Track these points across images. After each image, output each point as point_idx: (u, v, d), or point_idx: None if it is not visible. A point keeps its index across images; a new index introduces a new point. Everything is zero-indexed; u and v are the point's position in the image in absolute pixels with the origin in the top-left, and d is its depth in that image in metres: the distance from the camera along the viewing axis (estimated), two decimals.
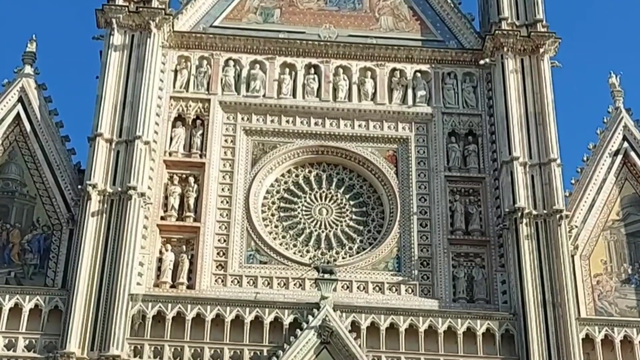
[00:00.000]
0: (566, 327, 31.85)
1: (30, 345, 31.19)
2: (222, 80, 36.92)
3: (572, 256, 33.57)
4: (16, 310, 31.65)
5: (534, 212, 33.76)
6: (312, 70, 37.44)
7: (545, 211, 33.83)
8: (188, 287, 32.92)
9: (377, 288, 33.55)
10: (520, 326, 32.00)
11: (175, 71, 36.96)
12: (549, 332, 31.83)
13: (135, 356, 31.08)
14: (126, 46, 35.85)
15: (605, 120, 36.92)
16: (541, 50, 36.81)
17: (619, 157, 36.07)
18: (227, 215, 34.56)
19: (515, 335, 32.08)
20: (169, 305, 31.85)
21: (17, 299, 31.74)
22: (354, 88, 37.15)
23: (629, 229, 34.89)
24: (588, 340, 32.23)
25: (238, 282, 33.43)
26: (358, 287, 33.49)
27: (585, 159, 36.10)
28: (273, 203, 35.58)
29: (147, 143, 34.21)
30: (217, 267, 33.64)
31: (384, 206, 35.58)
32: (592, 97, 67.32)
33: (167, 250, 33.55)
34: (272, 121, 36.44)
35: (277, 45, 37.64)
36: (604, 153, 36.08)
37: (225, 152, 35.79)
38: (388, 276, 33.88)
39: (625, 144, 36.28)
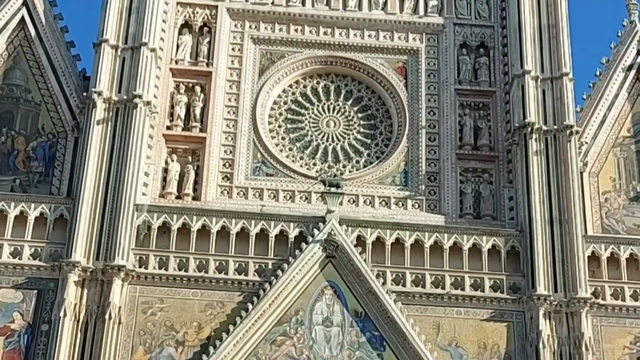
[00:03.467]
0: (572, 244, 31.77)
1: (36, 253, 31.18)
2: None
3: (581, 173, 33.30)
4: (21, 218, 31.59)
5: (544, 128, 33.40)
6: None
7: (555, 127, 33.46)
8: (193, 199, 32.80)
9: (383, 202, 33.41)
10: (526, 243, 31.92)
11: None
12: (554, 249, 31.76)
13: (140, 267, 31.09)
14: None
15: (619, 34, 36.19)
16: None
17: (632, 72, 35.46)
18: (233, 126, 34.25)
19: (521, 252, 32.03)
20: (175, 216, 31.77)
21: (23, 206, 31.64)
22: None
23: None
24: (594, 258, 32.13)
25: (244, 194, 33.29)
26: (364, 202, 33.36)
27: (598, 73, 35.50)
28: (280, 114, 35.21)
29: (153, 50, 33.72)
30: (222, 178, 33.45)
31: (393, 119, 35.22)
32: (607, 10, 66.05)
33: (172, 160, 33.32)
34: (280, 30, 35.83)
35: None
36: (617, 68, 35.45)
37: (232, 61, 35.30)
38: (395, 191, 33.70)
39: (639, 59, 35.66)
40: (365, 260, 31.21)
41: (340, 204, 32.34)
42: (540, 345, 30.40)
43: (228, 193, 33.24)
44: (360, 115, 35.34)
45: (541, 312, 30.83)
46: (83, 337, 29.90)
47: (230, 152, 33.86)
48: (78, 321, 30.02)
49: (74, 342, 29.77)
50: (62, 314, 29.79)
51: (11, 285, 30.68)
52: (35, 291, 30.67)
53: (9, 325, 30.23)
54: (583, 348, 30.45)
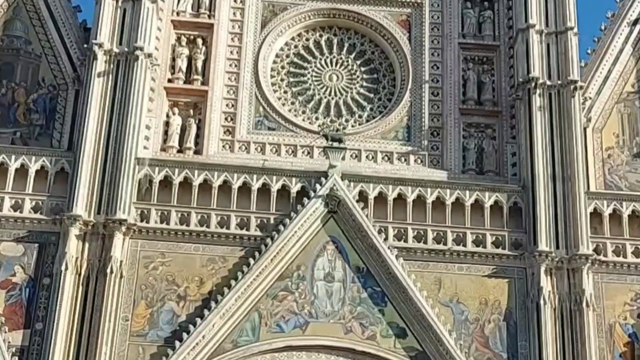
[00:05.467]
0: (575, 200, 31.70)
1: (37, 206, 31.08)
2: None
3: (585, 129, 33.11)
4: (22, 171, 31.46)
5: (548, 83, 33.18)
6: None
7: (559, 82, 33.26)
8: (195, 153, 32.66)
9: (385, 157, 33.27)
10: (529, 199, 31.83)
11: None
12: (557, 205, 31.70)
13: (142, 221, 31.02)
14: None
15: None
16: None
17: (638, 26, 35.12)
18: (235, 79, 34.00)
19: (523, 208, 31.96)
20: (176, 170, 31.66)
21: (23, 159, 31.49)
22: None
23: None
24: (596, 215, 32.09)
25: (246, 148, 33.14)
26: (367, 157, 33.20)
27: (602, 28, 35.15)
28: (282, 68, 34.94)
29: (154, 1, 33.39)
30: (224, 132, 33.30)
31: (396, 73, 34.96)
32: None
33: (174, 114, 33.14)
34: None
35: None
36: (622, 22, 35.11)
37: (234, 13, 34.98)
38: (397, 146, 33.54)
39: None
40: (367, 216, 31.15)
41: (343, 158, 32.19)
42: (541, 302, 30.44)
43: (230, 147, 33.08)
44: (363, 69, 35.07)
45: (542, 269, 30.83)
46: (85, 291, 29.92)
47: (232, 105, 33.65)
48: (79, 275, 30.04)
49: (75, 296, 29.79)
50: (63, 267, 29.80)
51: (12, 239, 30.66)
52: (36, 245, 30.64)
53: (11, 279, 30.26)
54: (584, 304, 30.50)
